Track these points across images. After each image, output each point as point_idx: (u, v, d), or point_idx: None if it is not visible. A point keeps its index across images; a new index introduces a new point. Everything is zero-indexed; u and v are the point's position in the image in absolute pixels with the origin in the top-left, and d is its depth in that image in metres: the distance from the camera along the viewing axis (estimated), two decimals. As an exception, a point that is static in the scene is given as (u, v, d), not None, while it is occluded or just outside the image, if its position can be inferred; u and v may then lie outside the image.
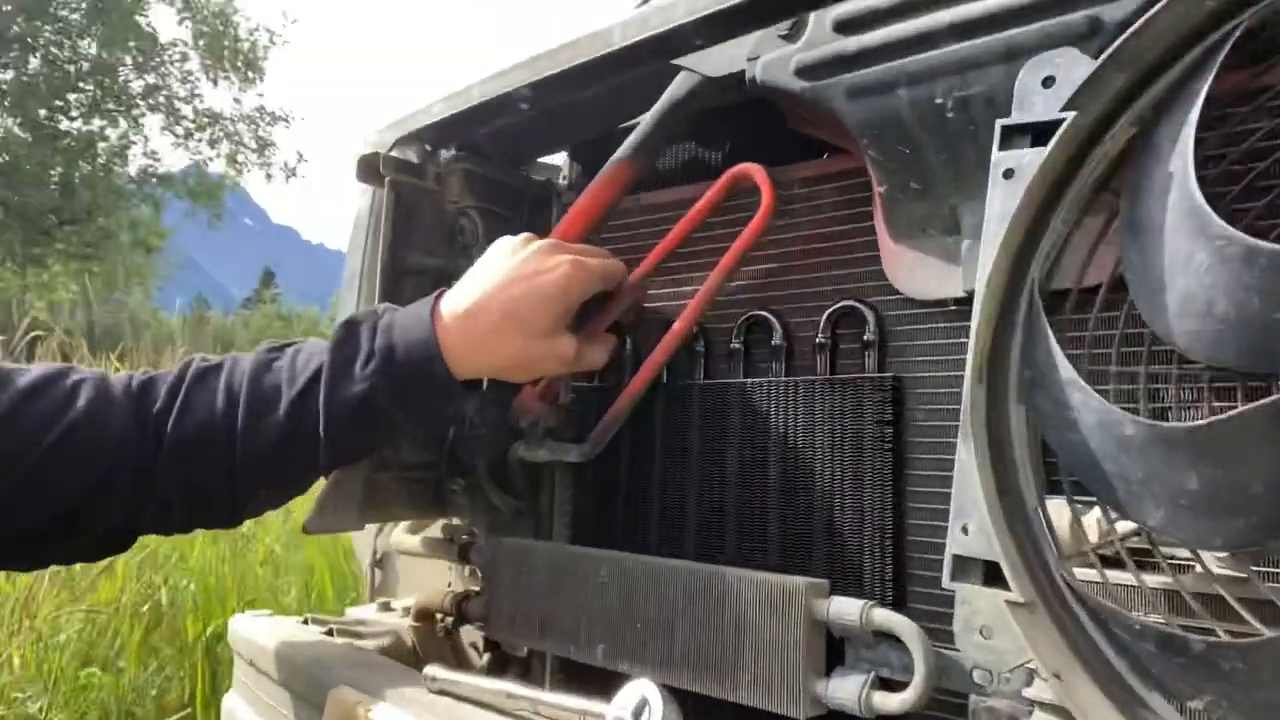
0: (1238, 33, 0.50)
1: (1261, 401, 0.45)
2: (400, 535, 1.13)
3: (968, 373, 0.55)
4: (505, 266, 0.79)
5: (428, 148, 1.03)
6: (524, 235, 0.82)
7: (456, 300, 0.79)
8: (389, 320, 0.79)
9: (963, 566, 0.54)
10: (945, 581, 0.54)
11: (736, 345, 0.85)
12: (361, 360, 0.77)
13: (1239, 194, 0.55)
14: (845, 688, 0.67)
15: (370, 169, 1.01)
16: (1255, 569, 0.52)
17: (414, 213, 1.02)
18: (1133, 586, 0.56)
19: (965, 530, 0.53)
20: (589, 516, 0.96)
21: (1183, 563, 0.56)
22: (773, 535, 0.80)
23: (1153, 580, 0.56)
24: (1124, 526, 0.55)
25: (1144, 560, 0.57)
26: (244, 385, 0.79)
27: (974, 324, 0.55)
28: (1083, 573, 0.55)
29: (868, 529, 0.73)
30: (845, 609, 0.67)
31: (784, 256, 0.84)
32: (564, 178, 1.12)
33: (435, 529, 1.10)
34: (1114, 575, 0.56)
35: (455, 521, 1.06)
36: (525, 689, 0.73)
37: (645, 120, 0.86)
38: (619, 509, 0.93)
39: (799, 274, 0.83)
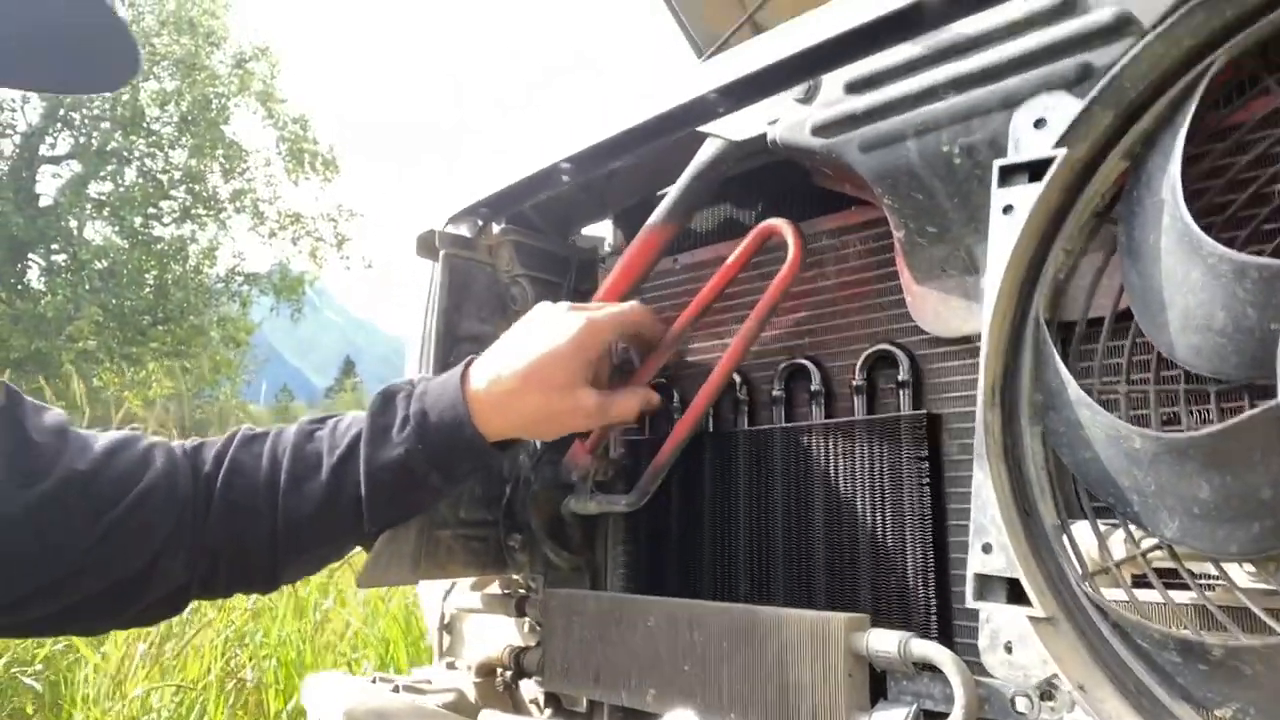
0: (1214, 69, 0.53)
1: (1262, 407, 0.47)
2: (464, 595, 1.17)
3: (980, 398, 0.58)
4: (525, 330, 0.85)
5: (479, 222, 1.10)
6: (563, 304, 0.87)
7: (483, 366, 0.84)
8: (423, 389, 0.85)
9: (985, 585, 0.55)
10: (969, 601, 0.56)
11: (778, 392, 0.88)
12: (398, 426, 0.83)
13: (1223, 224, 0.57)
14: (890, 716, 0.67)
15: (426, 245, 1.08)
16: None
17: (468, 283, 1.08)
18: (1162, 604, 0.56)
19: (986, 549, 0.55)
20: (643, 565, 0.99)
21: (1212, 581, 0.56)
22: (820, 573, 0.82)
23: (1180, 596, 0.56)
24: (1147, 543, 0.56)
25: (1171, 582, 0.57)
26: (287, 452, 0.85)
27: (983, 351, 0.58)
28: (1110, 592, 0.56)
29: (910, 562, 0.75)
30: (884, 642, 0.68)
31: (818, 305, 0.87)
32: (608, 244, 1.17)
33: (495, 586, 1.13)
34: (1141, 594, 0.57)
35: (515, 578, 1.09)
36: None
37: (676, 186, 0.92)
38: (672, 556, 0.95)
39: (833, 321, 0.86)
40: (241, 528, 0.83)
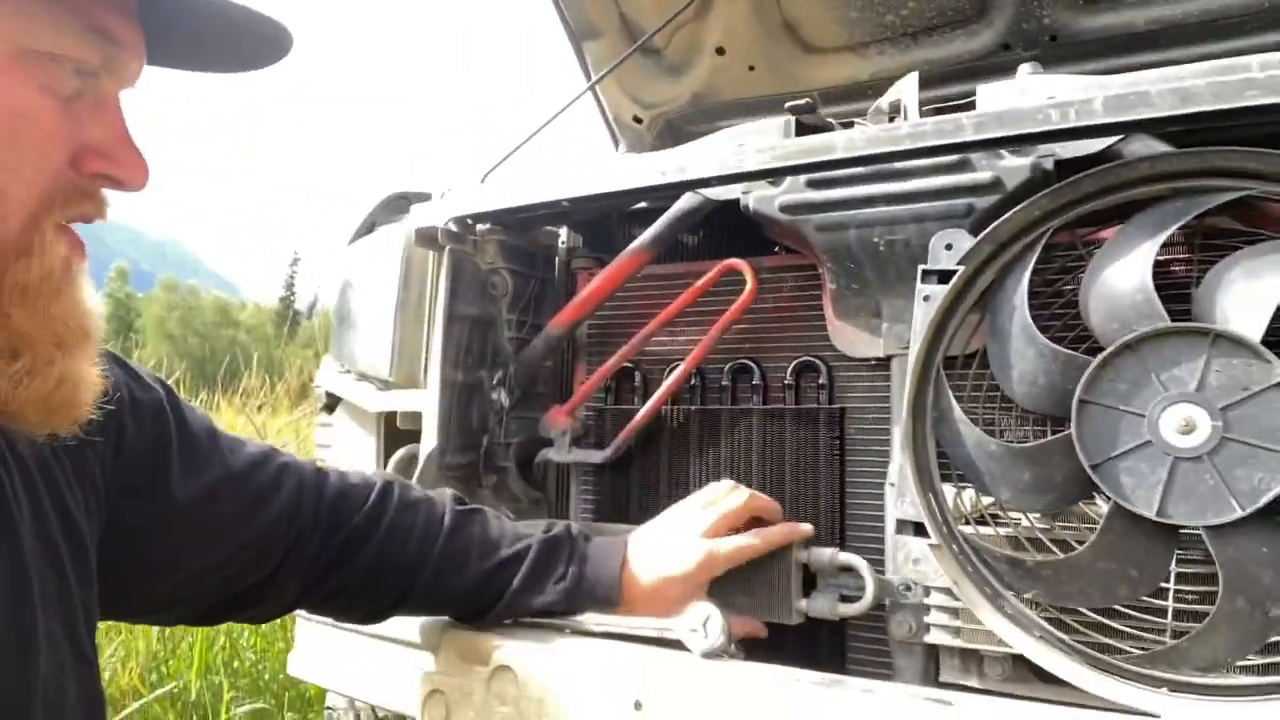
0: (1051, 230, 0.92)
1: (1059, 434, 0.87)
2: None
3: (904, 412, 0.95)
4: (664, 540, 1.04)
5: (469, 221, 1.33)
6: (695, 517, 1.05)
7: (643, 567, 1.02)
8: (584, 552, 1.03)
9: (902, 526, 0.93)
10: (891, 534, 0.94)
11: (726, 383, 1.22)
12: (555, 578, 1.00)
13: (1049, 317, 0.97)
14: (820, 603, 1.05)
15: (428, 239, 1.30)
16: (1058, 523, 0.95)
17: (460, 273, 1.32)
18: (994, 535, 0.97)
19: (903, 504, 0.93)
20: (606, 505, 1.30)
21: (1020, 524, 0.98)
22: (752, 513, 1.18)
23: (1003, 530, 0.97)
24: (985, 501, 0.96)
25: (1000, 522, 0.98)
26: (440, 540, 0.99)
27: (907, 385, 0.95)
28: (964, 528, 0.96)
29: (823, 506, 1.12)
30: (820, 554, 1.05)
31: (757, 321, 1.22)
32: (562, 243, 1.44)
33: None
34: (984, 530, 0.97)
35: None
36: (608, 618, 1.06)
37: (659, 222, 1.22)
38: (633, 500, 1.27)
39: (769, 334, 1.21)
40: (375, 586, 0.98)
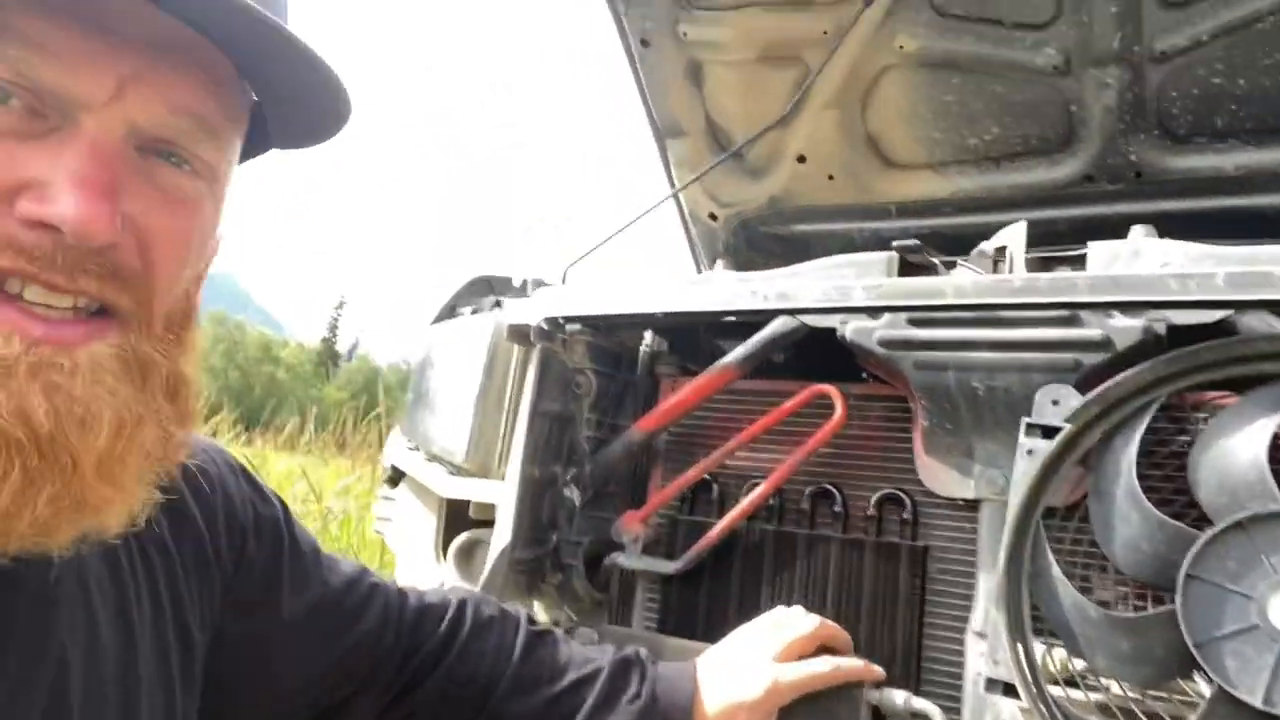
0: (1163, 397, 0.92)
1: (1164, 608, 0.85)
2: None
3: (999, 564, 0.93)
4: (734, 663, 1.02)
5: (560, 321, 1.35)
6: (762, 647, 1.03)
7: (713, 691, 1.00)
8: (654, 675, 1.01)
9: (992, 685, 0.91)
10: (980, 690, 0.92)
11: (805, 506, 1.22)
12: (629, 697, 0.98)
13: (1157, 479, 0.96)
14: (890, 757, 1.03)
15: (519, 335, 1.33)
16: (1153, 694, 0.92)
17: (547, 370, 1.34)
18: (1086, 701, 0.95)
19: (996, 663, 0.91)
20: (672, 616, 1.29)
21: (1113, 692, 0.95)
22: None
23: (1092, 696, 0.95)
24: (1078, 664, 0.94)
25: (1092, 688, 0.96)
26: (513, 661, 0.98)
27: (1004, 539, 0.94)
28: (1053, 688, 0.93)
29: (900, 646, 1.10)
30: (893, 697, 1.03)
31: (841, 447, 1.21)
32: (646, 346, 1.46)
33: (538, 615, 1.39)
34: (1074, 693, 0.95)
35: (563, 610, 1.36)
36: None
37: (751, 342, 1.23)
38: (699, 613, 1.26)
39: (853, 462, 1.20)
40: (448, 709, 0.97)
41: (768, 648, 1.03)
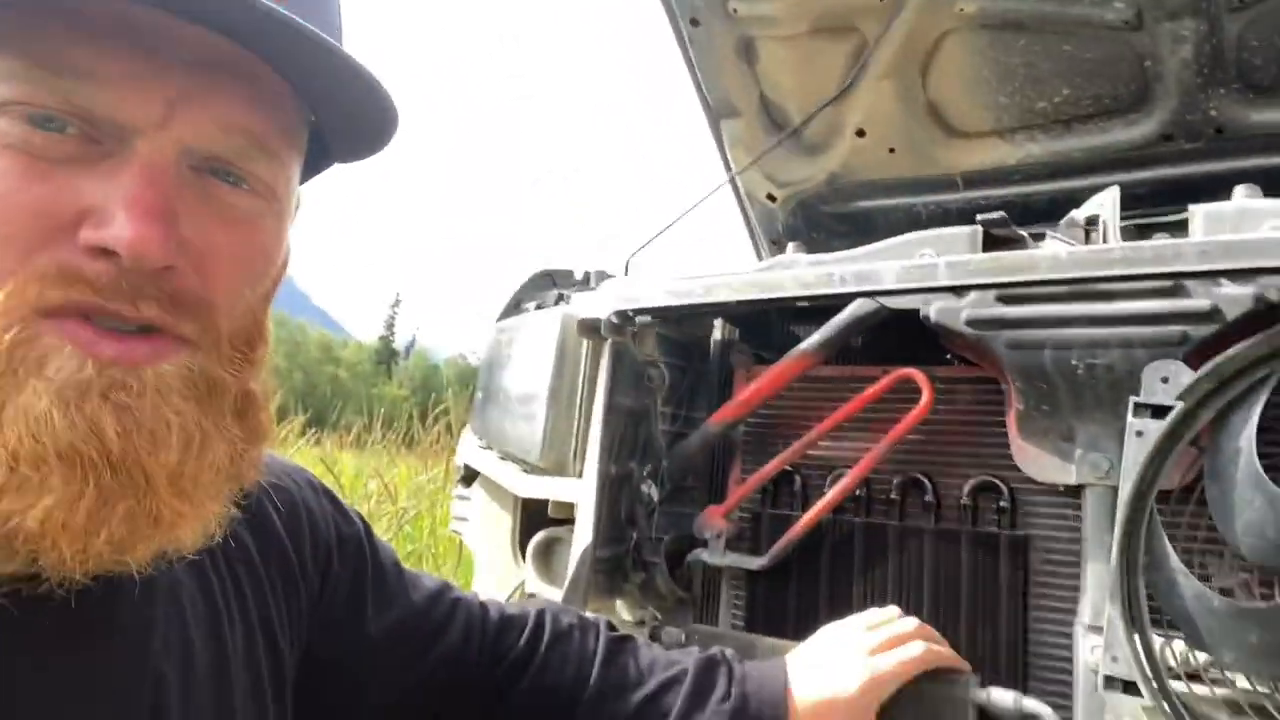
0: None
1: (1297, 595, 0.79)
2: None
3: (1112, 556, 0.88)
4: (830, 656, 0.99)
5: (630, 313, 1.32)
6: (858, 637, 1.01)
7: (807, 688, 0.96)
8: (742, 674, 0.98)
9: (1111, 683, 0.86)
10: (1099, 689, 0.87)
11: (894, 496, 1.17)
12: (719, 697, 0.95)
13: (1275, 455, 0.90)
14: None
15: (591, 329, 1.30)
16: (1286, 690, 0.86)
17: (619, 363, 1.31)
18: (1211, 697, 0.89)
19: (1115, 660, 0.86)
20: (759, 614, 1.26)
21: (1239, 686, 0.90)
22: (921, 638, 1.12)
23: (1218, 691, 0.89)
24: (1201, 657, 0.89)
25: (1217, 682, 0.90)
26: (596, 667, 0.96)
27: (1117, 529, 0.89)
28: (1175, 683, 0.88)
29: (1003, 641, 1.06)
30: (1001, 697, 0.99)
31: (930, 434, 1.17)
32: (718, 335, 1.43)
33: (613, 613, 1.38)
34: (1197, 688, 0.89)
35: (647, 609, 1.34)
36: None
37: (829, 326, 1.18)
38: (789, 611, 1.23)
39: (943, 449, 1.16)
40: (536, 717, 0.95)
41: (863, 643, 1.00)
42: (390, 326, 61.23)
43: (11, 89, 0.53)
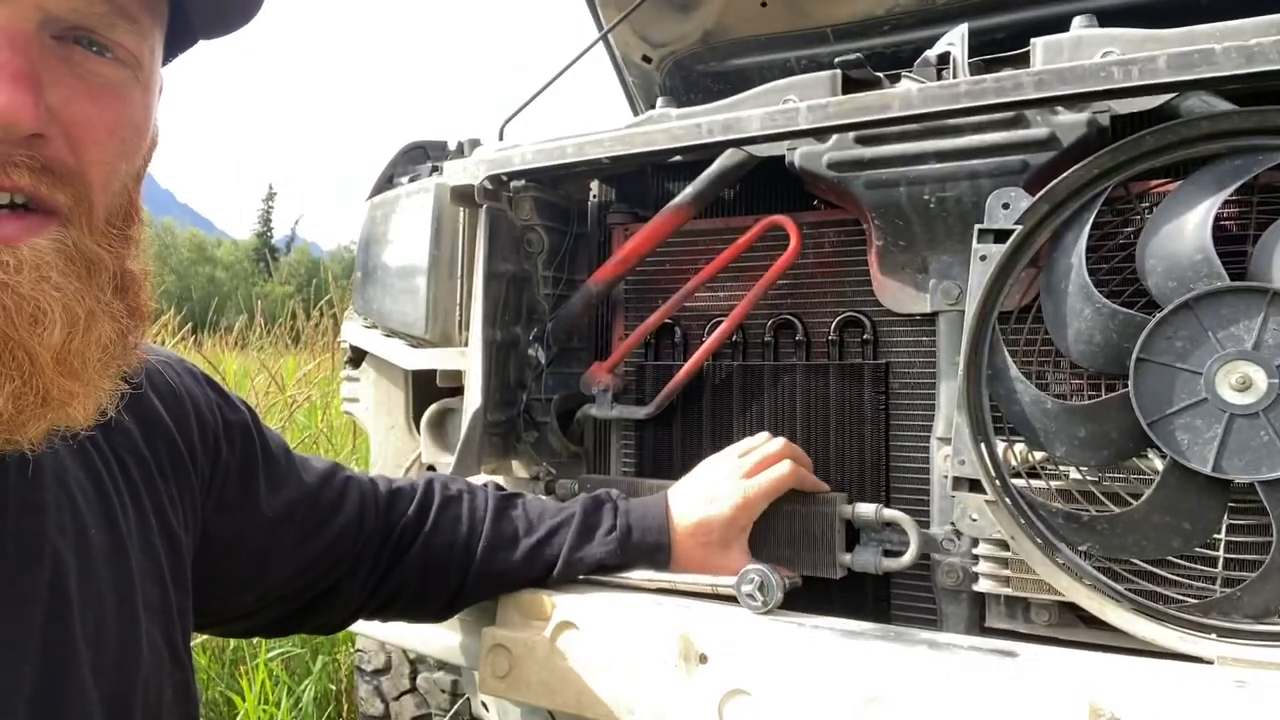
0: (1109, 189, 0.93)
1: (1117, 393, 0.89)
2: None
3: (959, 371, 0.96)
4: (703, 483, 1.08)
5: (503, 178, 1.31)
6: (730, 463, 1.09)
7: (682, 506, 1.06)
8: (625, 508, 1.06)
9: (959, 483, 0.95)
10: (949, 490, 0.96)
11: (768, 339, 1.23)
12: (604, 530, 1.04)
13: (1105, 272, 0.98)
14: (864, 557, 1.08)
15: (464, 196, 1.29)
16: (1111, 476, 0.97)
17: (496, 230, 1.31)
18: (1046, 489, 1.00)
19: (961, 463, 0.95)
20: (647, 459, 1.32)
21: (1071, 478, 1.00)
22: (797, 466, 1.20)
23: (1053, 484, 1.00)
24: (1038, 455, 0.99)
25: (1051, 475, 1.01)
26: (486, 522, 1.03)
27: (963, 344, 0.96)
28: (1016, 481, 0.98)
29: (868, 460, 1.15)
30: (864, 510, 1.08)
31: (798, 277, 1.22)
32: (594, 196, 1.43)
33: (509, 473, 1.42)
34: (1035, 483, 1.00)
35: (542, 465, 1.38)
36: (662, 575, 1.09)
37: (701, 179, 1.21)
38: (675, 454, 1.29)
39: (811, 290, 1.21)
40: (432, 579, 1.01)
41: (735, 469, 1.08)
42: (266, 222, 58.39)
43: None
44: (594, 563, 1.05)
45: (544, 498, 1.11)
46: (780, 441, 1.11)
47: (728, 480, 1.07)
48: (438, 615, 1.07)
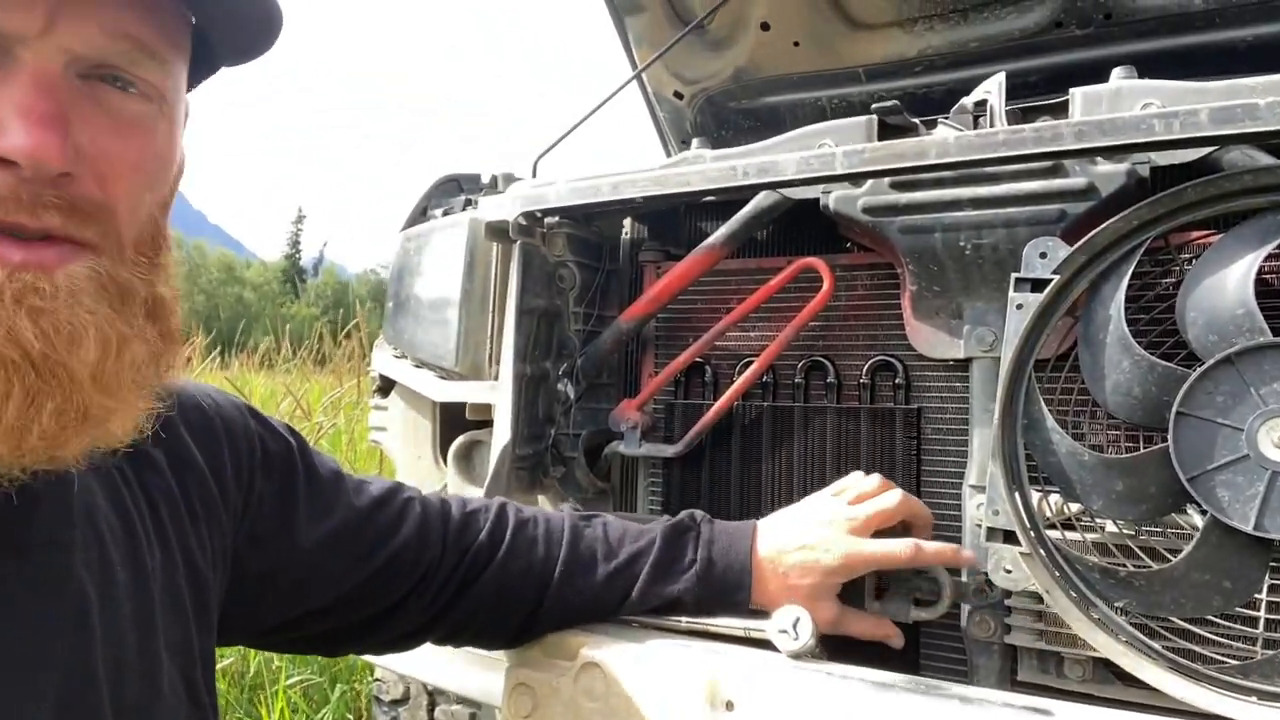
0: (1149, 241, 0.92)
1: (1156, 447, 0.88)
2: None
3: (994, 420, 0.95)
4: (807, 524, 1.00)
5: (539, 214, 1.32)
6: (839, 511, 1.00)
7: (766, 540, 0.99)
8: (709, 536, 1.00)
9: (993, 534, 0.94)
10: (982, 541, 0.95)
11: (799, 380, 1.23)
12: (685, 564, 0.98)
13: (1145, 323, 0.97)
14: (894, 605, 1.07)
15: (499, 232, 1.30)
16: (1148, 530, 0.96)
17: (529, 265, 1.32)
18: (1081, 541, 0.98)
19: (995, 513, 0.94)
20: (674, 498, 1.31)
21: (1107, 532, 0.99)
22: (826, 510, 1.19)
23: (1089, 536, 0.98)
24: (1074, 507, 0.97)
25: (1087, 528, 0.99)
26: (563, 546, 0.98)
27: (999, 393, 0.95)
28: (1051, 532, 0.97)
29: (899, 506, 1.13)
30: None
31: (831, 319, 1.22)
32: (627, 234, 1.44)
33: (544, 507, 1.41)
34: (1070, 535, 0.98)
35: (566, 501, 1.38)
36: (694, 617, 1.08)
37: (734, 220, 1.21)
38: (702, 493, 1.29)
39: (843, 332, 1.21)
40: (507, 603, 0.98)
41: (844, 517, 1.00)
42: (295, 244, 59.16)
43: None
44: (671, 598, 0.99)
45: (624, 518, 1.05)
46: (899, 495, 1.02)
47: (836, 531, 0.99)
48: (510, 641, 1.03)
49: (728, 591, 0.99)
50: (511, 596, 0.99)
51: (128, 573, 0.70)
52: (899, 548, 0.98)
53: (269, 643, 0.96)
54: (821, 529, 0.99)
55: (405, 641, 1.00)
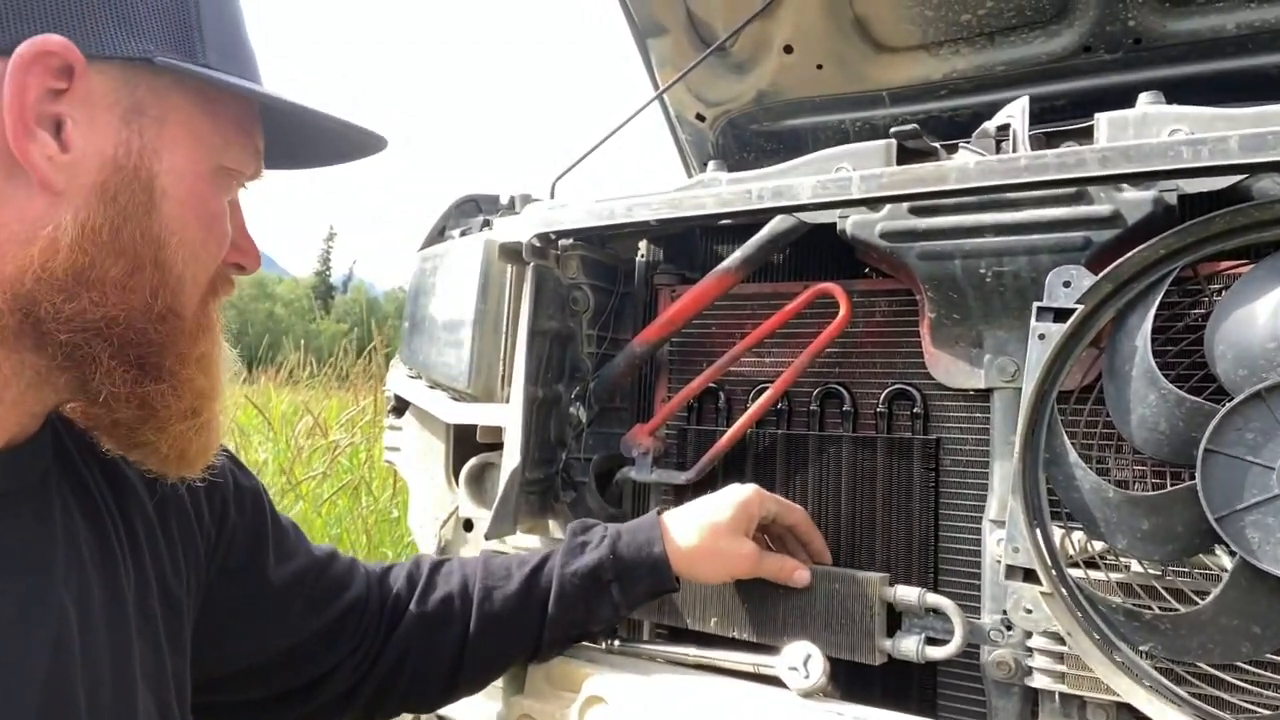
0: (1176, 270, 0.89)
1: (1183, 484, 0.84)
2: (524, 540, 1.41)
3: (1015, 453, 0.92)
4: (715, 500, 1.09)
5: (553, 236, 1.31)
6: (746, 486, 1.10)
7: (681, 521, 1.07)
8: (616, 526, 1.08)
9: (1012, 571, 0.91)
10: (1000, 578, 0.92)
11: (814, 408, 1.20)
12: (594, 541, 1.05)
13: (1172, 354, 0.94)
14: (905, 644, 1.03)
15: (512, 254, 1.29)
16: (1175, 571, 0.92)
17: (542, 287, 1.30)
18: (1105, 582, 0.95)
19: (1015, 550, 0.91)
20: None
21: (1132, 571, 0.95)
22: (842, 546, 1.15)
23: (1113, 576, 0.95)
24: (1097, 545, 0.94)
25: (1111, 566, 0.96)
26: (479, 567, 1.04)
27: (1019, 426, 0.92)
28: (1073, 571, 0.93)
29: (916, 539, 1.10)
30: (906, 594, 1.03)
31: (847, 345, 1.19)
32: (641, 256, 1.42)
33: (545, 533, 1.39)
34: (1092, 574, 0.95)
35: (551, 527, 1.36)
36: (702, 650, 1.05)
37: (750, 244, 1.19)
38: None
39: (860, 360, 1.18)
40: (433, 637, 0.99)
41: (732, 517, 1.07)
42: (325, 260, 59.86)
43: (243, 163, 0.72)
44: (587, 571, 1.03)
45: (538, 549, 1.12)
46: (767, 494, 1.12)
47: (721, 494, 1.09)
48: (445, 689, 1.02)
49: (641, 549, 1.04)
50: (438, 627, 1.00)
51: (105, 594, 0.70)
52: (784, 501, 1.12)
53: (211, 693, 0.90)
54: (710, 499, 1.09)
55: (338, 704, 0.97)
